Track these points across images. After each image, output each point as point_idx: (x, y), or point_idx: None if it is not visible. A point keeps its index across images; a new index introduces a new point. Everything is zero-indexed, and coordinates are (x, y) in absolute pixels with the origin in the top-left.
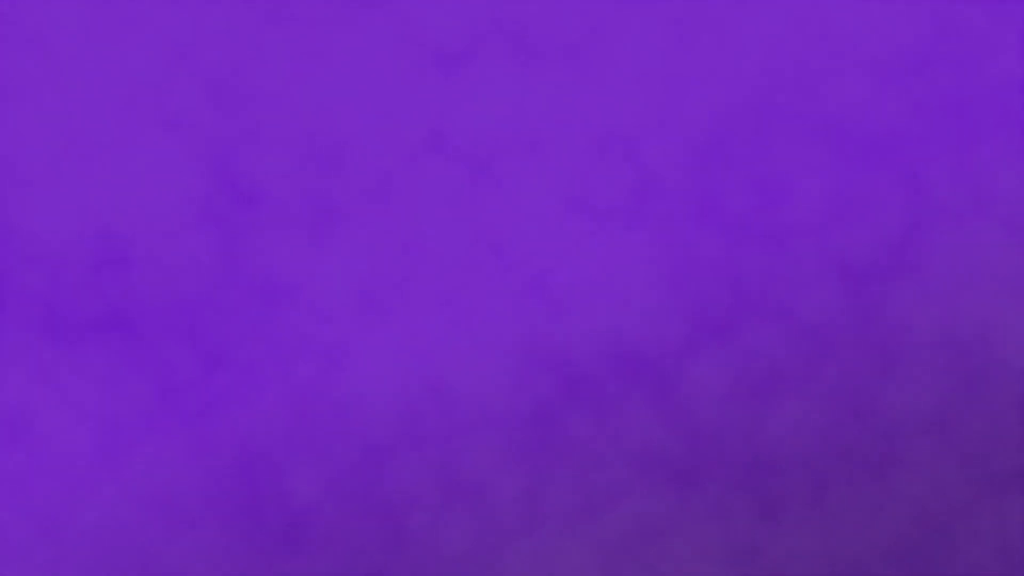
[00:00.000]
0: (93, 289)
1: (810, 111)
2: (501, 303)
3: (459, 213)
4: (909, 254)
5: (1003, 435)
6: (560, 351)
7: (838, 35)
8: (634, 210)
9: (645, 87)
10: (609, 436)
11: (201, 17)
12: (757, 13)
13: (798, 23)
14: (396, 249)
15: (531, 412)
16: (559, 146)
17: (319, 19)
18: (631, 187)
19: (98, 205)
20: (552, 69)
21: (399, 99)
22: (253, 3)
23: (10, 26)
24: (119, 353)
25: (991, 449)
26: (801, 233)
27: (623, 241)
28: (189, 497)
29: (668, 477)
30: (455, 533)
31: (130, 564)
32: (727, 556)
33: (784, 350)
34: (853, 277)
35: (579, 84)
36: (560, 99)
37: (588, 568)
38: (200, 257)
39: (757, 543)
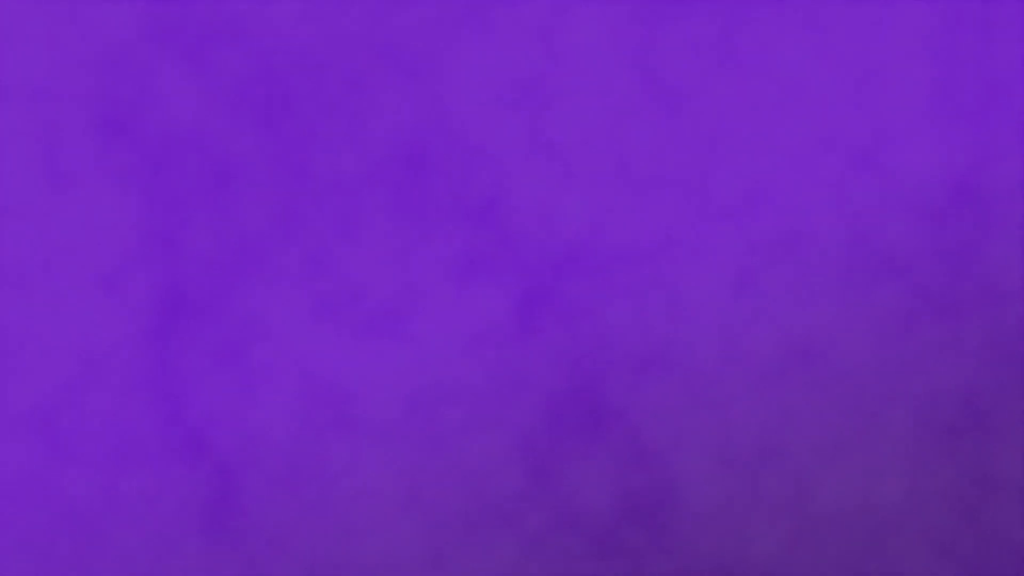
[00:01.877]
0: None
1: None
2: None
3: (461, 212)
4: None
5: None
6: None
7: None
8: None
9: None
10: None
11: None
12: (763, 13)
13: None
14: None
15: (538, 412)
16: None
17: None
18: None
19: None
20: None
21: (384, 101)
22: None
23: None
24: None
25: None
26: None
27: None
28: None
29: (676, 475)
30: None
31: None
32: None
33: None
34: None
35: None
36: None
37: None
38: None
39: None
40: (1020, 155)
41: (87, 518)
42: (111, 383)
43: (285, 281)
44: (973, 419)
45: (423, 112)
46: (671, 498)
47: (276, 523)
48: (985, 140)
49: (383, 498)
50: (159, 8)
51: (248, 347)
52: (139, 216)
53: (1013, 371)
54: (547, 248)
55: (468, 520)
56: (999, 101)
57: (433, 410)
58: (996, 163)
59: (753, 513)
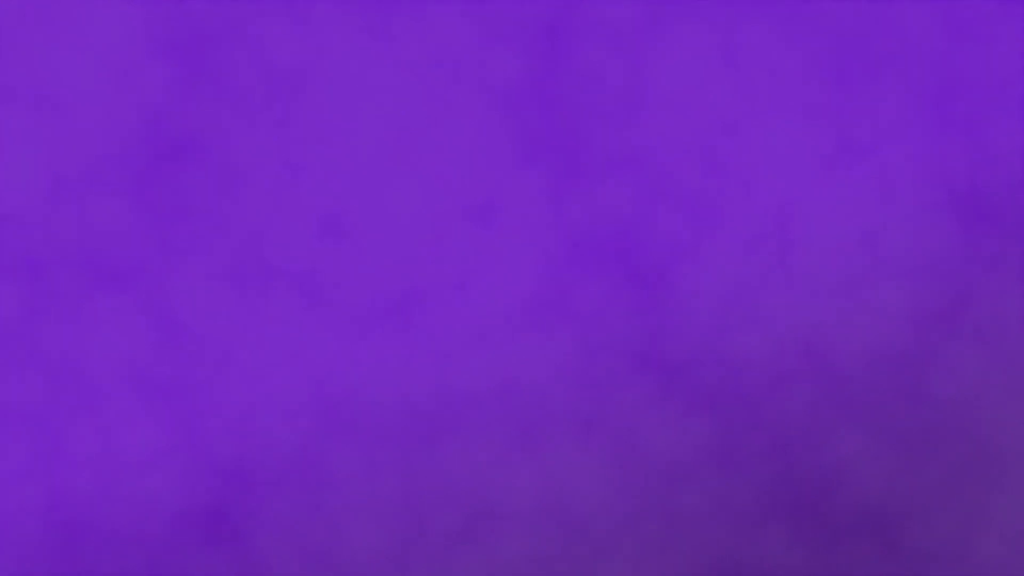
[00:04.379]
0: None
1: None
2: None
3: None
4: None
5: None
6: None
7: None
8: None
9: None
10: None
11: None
12: (762, 14)
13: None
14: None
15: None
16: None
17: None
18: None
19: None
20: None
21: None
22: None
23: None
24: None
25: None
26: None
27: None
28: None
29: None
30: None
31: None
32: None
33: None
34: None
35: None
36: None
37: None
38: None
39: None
40: (1020, 155)
41: (86, 521)
42: (112, 387)
43: (283, 278)
44: (975, 420)
45: (417, 108)
46: (671, 497)
47: (277, 527)
48: (985, 140)
49: (383, 501)
50: None
51: (248, 348)
52: (136, 225)
53: (1014, 371)
54: (547, 246)
55: (472, 522)
56: (999, 101)
57: (435, 410)
58: (996, 163)
59: (757, 513)
